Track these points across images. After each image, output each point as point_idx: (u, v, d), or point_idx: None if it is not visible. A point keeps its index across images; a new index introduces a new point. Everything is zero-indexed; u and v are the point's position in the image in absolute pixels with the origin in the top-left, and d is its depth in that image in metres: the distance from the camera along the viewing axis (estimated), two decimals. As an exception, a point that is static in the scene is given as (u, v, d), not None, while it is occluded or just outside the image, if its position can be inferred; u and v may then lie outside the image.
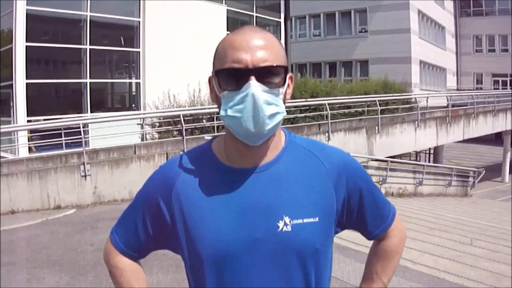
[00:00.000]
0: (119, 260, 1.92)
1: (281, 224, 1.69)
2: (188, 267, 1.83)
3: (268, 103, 1.60)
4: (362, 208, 1.89)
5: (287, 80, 1.70)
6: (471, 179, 26.16)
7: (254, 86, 1.58)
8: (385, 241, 2.02)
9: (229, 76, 1.63)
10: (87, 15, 17.15)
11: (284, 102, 1.69)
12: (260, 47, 1.63)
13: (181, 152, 1.65)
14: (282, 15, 25.86)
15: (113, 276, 1.94)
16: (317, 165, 1.80)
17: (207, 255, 1.70)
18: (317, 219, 1.73)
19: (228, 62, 1.62)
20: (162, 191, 1.79)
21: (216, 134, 15.15)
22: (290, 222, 1.69)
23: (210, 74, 1.77)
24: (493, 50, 56.80)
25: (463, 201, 23.18)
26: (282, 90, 1.67)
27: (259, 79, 1.60)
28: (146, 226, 1.84)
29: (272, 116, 1.62)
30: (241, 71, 1.60)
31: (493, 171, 35.76)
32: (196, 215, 1.73)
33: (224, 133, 1.82)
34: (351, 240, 9.59)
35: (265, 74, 1.62)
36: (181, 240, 1.77)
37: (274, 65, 1.63)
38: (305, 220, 1.71)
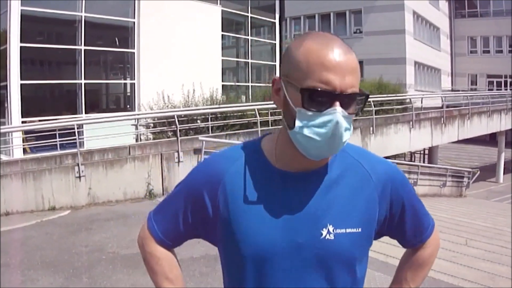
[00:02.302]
0: (155, 249, 1.92)
1: (324, 232, 1.70)
2: (225, 263, 1.86)
3: (346, 129, 1.59)
4: (403, 219, 1.90)
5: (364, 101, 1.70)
6: (465, 179, 26.22)
7: (339, 113, 1.55)
8: (420, 251, 2.04)
9: (313, 95, 1.57)
10: (81, 16, 17.09)
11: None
12: (349, 71, 1.58)
13: (231, 146, 1.64)
14: (277, 16, 25.82)
15: (148, 263, 1.94)
16: (364, 176, 1.80)
17: (248, 254, 1.72)
18: (359, 230, 1.74)
19: (315, 80, 1.56)
20: (208, 186, 1.79)
21: (210, 134, 15.13)
22: (333, 231, 1.71)
23: (277, 76, 1.74)
24: (488, 51, 57.12)
25: (458, 201, 23.20)
26: (355, 114, 1.67)
27: (342, 105, 1.57)
28: (187, 217, 1.85)
29: (345, 141, 1.62)
30: (327, 94, 1.56)
31: (488, 171, 35.82)
32: (242, 214, 1.74)
33: (274, 133, 1.84)
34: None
35: (350, 101, 1.60)
36: (221, 236, 1.80)
37: (359, 92, 1.62)
38: (348, 230, 1.72)
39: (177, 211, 1.86)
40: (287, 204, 1.71)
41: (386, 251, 9.24)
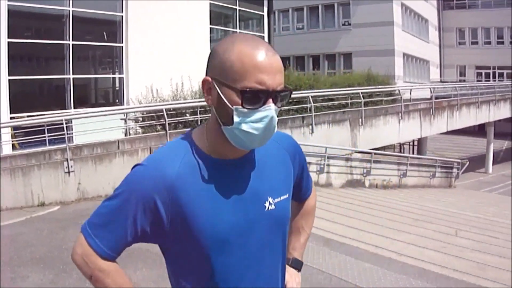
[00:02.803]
0: (102, 264, 1.92)
1: (267, 204, 1.99)
2: (182, 257, 1.97)
3: (276, 123, 1.83)
4: (301, 179, 2.35)
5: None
6: (455, 170, 26.36)
7: (273, 108, 1.78)
8: (307, 202, 2.54)
9: (251, 95, 1.77)
10: (69, 11, 16.98)
11: None
12: (278, 70, 1.82)
13: (165, 144, 1.76)
14: (266, 9, 25.72)
15: (98, 280, 1.94)
16: (281, 151, 2.16)
17: (211, 242, 1.88)
18: (287, 195, 2.11)
19: (251, 81, 1.76)
20: (159, 190, 1.84)
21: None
22: (273, 201, 2.01)
23: (205, 75, 1.91)
24: (476, 43, 57.49)
25: (447, 192, 23.33)
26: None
27: (274, 101, 1.80)
28: (135, 227, 1.88)
29: (273, 134, 1.88)
30: (263, 92, 1.77)
31: (477, 162, 35.98)
32: (197, 208, 1.86)
33: (199, 128, 2.05)
34: (335, 233, 9.64)
35: (279, 97, 1.83)
36: (178, 235, 1.90)
37: (287, 88, 1.86)
38: (282, 198, 2.06)
39: (124, 222, 1.88)
40: (231, 189, 1.93)
41: (376, 242, 9.31)
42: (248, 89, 1.75)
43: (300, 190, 2.41)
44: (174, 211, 1.85)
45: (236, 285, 1.96)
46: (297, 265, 2.51)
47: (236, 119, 1.79)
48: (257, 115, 1.78)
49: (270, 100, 1.78)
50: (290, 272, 2.42)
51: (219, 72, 1.82)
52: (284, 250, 2.17)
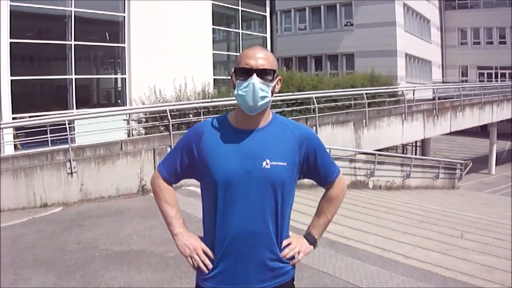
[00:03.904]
0: (161, 183, 3.07)
1: (264, 163, 2.80)
2: (204, 189, 2.95)
3: (261, 89, 2.74)
4: (316, 164, 3.01)
5: (276, 79, 2.87)
6: (458, 171, 26.32)
7: (254, 78, 2.73)
8: (331, 190, 3.15)
9: (241, 72, 2.78)
10: (71, 11, 16.95)
11: (272, 94, 2.85)
12: (262, 58, 2.78)
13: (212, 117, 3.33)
14: (268, 9, 25.75)
15: (156, 193, 3.08)
16: (288, 132, 2.93)
17: (218, 178, 2.79)
18: (285, 164, 2.84)
19: (242, 64, 2.77)
20: (195, 139, 2.92)
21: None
22: (269, 163, 2.81)
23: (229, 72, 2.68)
24: (478, 43, 57.53)
25: (451, 193, 23.29)
26: (271, 84, 2.81)
27: (258, 76, 2.75)
28: (182, 161, 2.98)
29: (262, 98, 2.75)
30: (248, 70, 2.75)
31: (479, 163, 36.01)
32: (213, 154, 2.84)
33: (235, 110, 2.96)
34: (341, 235, 9.57)
35: (262, 73, 2.76)
36: (202, 169, 2.89)
37: (267, 68, 2.77)
38: (278, 163, 2.82)
39: (176, 159, 3.01)
40: (241, 148, 2.82)
41: (382, 244, 9.24)
42: (238, 67, 2.78)
43: (319, 174, 3.08)
44: (200, 153, 2.87)
45: (230, 214, 2.80)
46: (310, 239, 3.12)
47: (236, 88, 2.79)
48: (245, 83, 2.74)
49: (254, 74, 2.74)
50: (298, 238, 3.09)
51: (235, 64, 2.84)
52: (276, 209, 2.86)
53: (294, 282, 3.08)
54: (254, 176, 2.77)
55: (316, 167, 3.01)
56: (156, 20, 19.28)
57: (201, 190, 2.99)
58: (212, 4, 22.29)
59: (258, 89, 2.71)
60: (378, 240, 9.57)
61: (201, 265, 2.87)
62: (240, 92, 2.75)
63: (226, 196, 2.78)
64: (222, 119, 2.96)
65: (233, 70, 2.85)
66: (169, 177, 3.03)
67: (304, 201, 10.03)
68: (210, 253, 2.88)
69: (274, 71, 2.81)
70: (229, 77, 21.53)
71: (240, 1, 24.18)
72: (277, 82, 2.88)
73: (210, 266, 2.87)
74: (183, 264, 6.99)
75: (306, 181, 3.24)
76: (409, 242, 9.67)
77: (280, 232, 2.91)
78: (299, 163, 2.93)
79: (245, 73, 2.75)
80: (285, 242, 2.94)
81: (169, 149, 13.71)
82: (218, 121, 2.94)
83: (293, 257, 2.97)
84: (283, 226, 2.92)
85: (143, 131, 16.37)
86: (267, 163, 2.79)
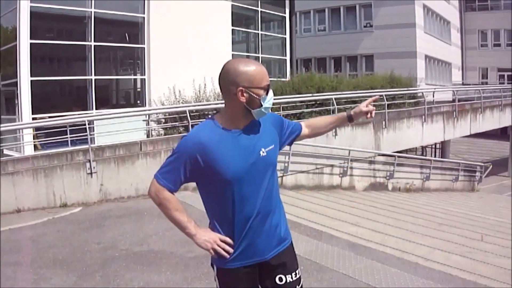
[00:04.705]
0: (167, 194, 3.27)
1: (261, 152, 3.27)
2: (212, 188, 3.26)
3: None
4: (287, 129, 3.66)
5: None
6: (478, 173, 26.18)
7: (271, 91, 3.25)
8: (306, 131, 3.88)
9: (265, 88, 3.18)
10: (91, 12, 17.02)
11: None
12: (267, 75, 3.24)
13: (200, 123, 3.66)
14: (287, 10, 25.72)
15: (163, 205, 3.29)
16: (267, 120, 3.41)
17: (230, 176, 3.14)
18: (273, 146, 3.39)
19: (263, 82, 3.18)
20: (198, 149, 3.13)
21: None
22: (264, 150, 3.29)
23: (240, 87, 3.18)
24: (499, 45, 57.26)
25: (471, 196, 23.18)
26: None
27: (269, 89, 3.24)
28: (185, 171, 3.19)
29: None
30: (267, 86, 3.20)
31: (499, 165, 35.75)
32: (221, 159, 3.13)
33: (218, 114, 3.35)
34: (360, 237, 9.54)
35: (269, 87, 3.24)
36: (210, 174, 3.16)
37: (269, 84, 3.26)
38: (270, 148, 3.34)
39: (179, 168, 3.20)
40: (239, 146, 3.20)
41: (402, 246, 9.19)
42: (265, 85, 3.18)
43: (295, 131, 3.74)
44: (207, 160, 3.13)
45: (247, 205, 3.23)
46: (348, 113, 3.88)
47: (263, 102, 3.18)
48: (268, 97, 3.21)
49: (270, 89, 3.23)
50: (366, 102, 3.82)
51: (247, 83, 3.14)
52: (272, 185, 3.39)
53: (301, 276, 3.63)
54: (258, 165, 3.25)
55: (290, 130, 3.71)
56: (175, 21, 19.32)
57: (202, 189, 3.36)
58: (232, 5, 22.30)
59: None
60: (397, 242, 9.54)
61: (223, 252, 3.28)
62: (267, 105, 3.22)
63: (240, 189, 3.20)
64: (212, 124, 3.28)
65: (244, 84, 3.15)
66: (174, 188, 3.30)
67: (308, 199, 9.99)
68: (228, 240, 3.29)
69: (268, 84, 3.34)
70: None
71: (259, 2, 24.16)
72: None
73: (231, 250, 3.29)
74: (204, 265, 7.00)
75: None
76: (429, 244, 9.64)
77: (279, 203, 3.53)
78: (280, 138, 3.56)
79: (266, 89, 3.20)
80: (364, 104, 3.82)
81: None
82: (210, 127, 3.26)
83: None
84: (277, 197, 3.50)
85: (162, 132, 16.40)
86: (263, 152, 3.29)
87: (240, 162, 3.18)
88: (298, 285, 3.55)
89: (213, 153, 3.14)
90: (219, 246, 3.29)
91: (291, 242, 3.60)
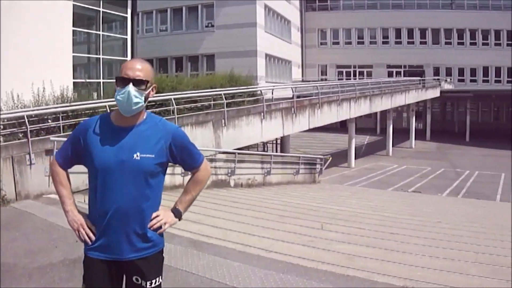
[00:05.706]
0: (57, 168, 3.66)
1: (135, 155, 3.42)
2: (89, 175, 3.54)
3: (135, 96, 3.41)
4: (182, 155, 3.67)
5: (149, 87, 3.54)
6: (318, 166, 27.15)
7: (130, 87, 3.39)
8: (197, 174, 3.84)
9: (120, 80, 3.41)
10: None
11: (146, 99, 3.51)
12: (138, 69, 3.43)
13: (96, 116, 4.03)
14: (129, 11, 25.43)
15: (53, 177, 3.68)
16: (159, 130, 3.55)
17: (98, 166, 3.43)
18: (153, 156, 3.48)
19: (122, 73, 3.40)
20: (82, 132, 3.54)
21: (61, 134, 14.66)
22: (139, 155, 3.44)
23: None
24: (337, 43, 59.64)
25: (312, 187, 23.94)
26: (145, 92, 3.49)
27: (134, 84, 3.41)
28: (73, 149, 3.60)
29: (136, 103, 3.42)
30: (126, 79, 3.40)
31: (340, 157, 37.24)
32: (95, 147, 3.45)
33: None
34: (202, 234, 9.66)
35: (137, 82, 3.42)
36: (86, 157, 3.50)
37: (142, 79, 3.44)
38: (147, 155, 3.45)
39: (68, 148, 3.63)
40: (116, 141, 3.45)
41: (243, 240, 9.38)
42: (118, 76, 3.39)
43: (186, 163, 3.74)
44: (85, 144, 3.50)
45: (108, 200, 3.43)
46: (176, 212, 3.78)
47: (115, 94, 3.39)
48: (122, 90, 3.37)
49: (130, 83, 3.37)
50: (166, 210, 3.72)
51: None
52: (146, 191, 3.52)
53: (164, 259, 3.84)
54: (127, 165, 3.41)
55: (183, 158, 3.69)
56: (9, 22, 18.62)
57: (88, 176, 3.58)
58: (73, 5, 21.71)
59: (133, 96, 3.40)
60: (239, 236, 9.71)
61: (86, 237, 3.54)
62: (118, 98, 3.39)
63: (104, 181, 3.43)
64: (105, 116, 3.60)
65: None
66: (63, 163, 3.67)
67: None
68: (93, 228, 3.54)
69: (148, 81, 3.49)
70: (89, 80, 20.72)
71: (101, 2, 23.73)
72: (151, 89, 3.59)
73: (93, 238, 3.52)
74: (47, 275, 6.88)
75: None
76: (271, 236, 9.85)
77: (151, 211, 3.59)
78: (166, 155, 3.58)
79: (123, 81, 3.39)
80: (154, 215, 3.60)
81: (28, 156, 13.24)
82: (102, 119, 3.58)
83: (160, 228, 3.64)
84: (154, 205, 3.61)
85: (0, 139, 15.77)
86: (137, 155, 3.42)
87: (109, 155, 3.42)
88: None
89: (91, 139, 3.48)
90: (84, 230, 3.54)
91: (160, 251, 3.74)
